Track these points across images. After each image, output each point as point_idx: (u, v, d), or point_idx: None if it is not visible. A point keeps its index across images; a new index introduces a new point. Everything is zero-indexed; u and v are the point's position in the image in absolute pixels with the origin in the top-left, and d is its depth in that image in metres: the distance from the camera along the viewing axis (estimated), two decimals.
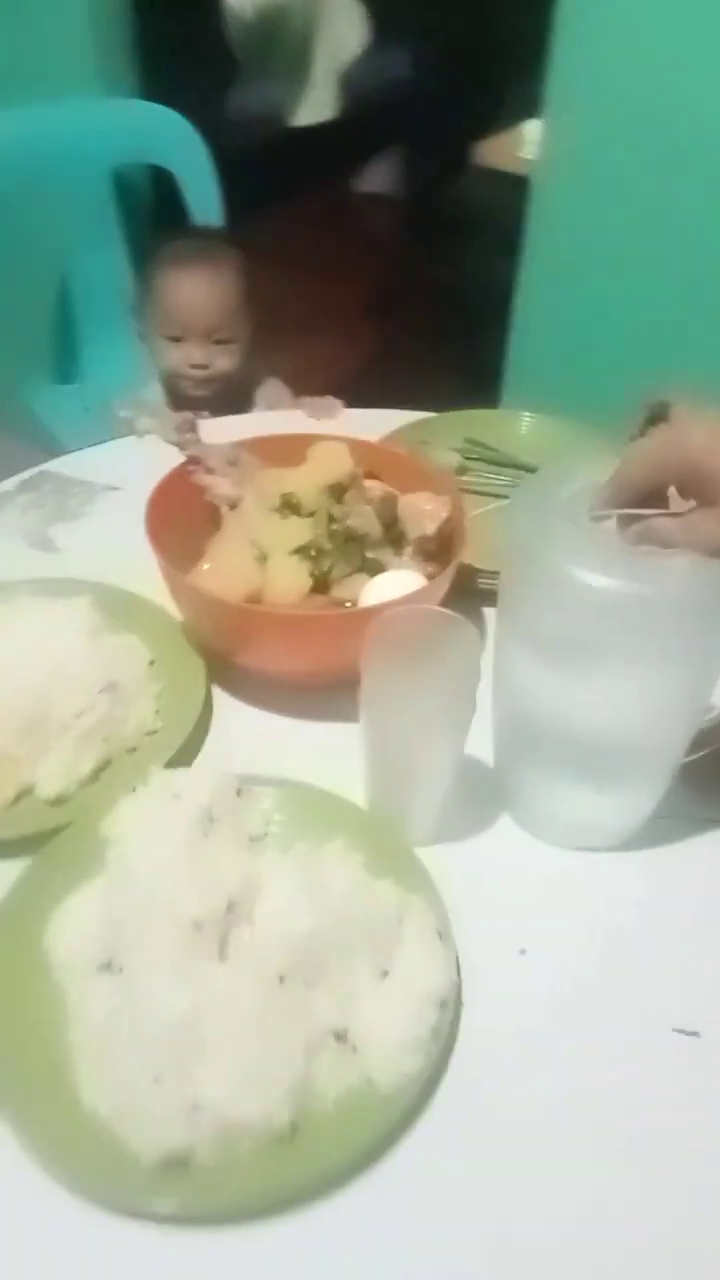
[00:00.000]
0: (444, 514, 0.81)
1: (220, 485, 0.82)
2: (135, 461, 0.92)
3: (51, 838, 0.69)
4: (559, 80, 1.51)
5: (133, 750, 0.76)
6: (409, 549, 0.82)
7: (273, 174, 2.48)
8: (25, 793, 0.73)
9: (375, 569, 0.80)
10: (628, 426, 0.90)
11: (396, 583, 0.78)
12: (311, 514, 0.80)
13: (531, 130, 1.78)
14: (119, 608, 0.85)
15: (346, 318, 2.67)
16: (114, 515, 1.00)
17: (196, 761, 0.77)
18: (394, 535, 0.82)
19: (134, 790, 0.69)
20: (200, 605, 0.78)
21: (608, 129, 1.50)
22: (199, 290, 1.37)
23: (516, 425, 1.09)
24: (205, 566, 0.80)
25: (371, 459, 0.85)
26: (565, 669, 0.65)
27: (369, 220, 3.19)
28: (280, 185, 2.55)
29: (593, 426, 1.05)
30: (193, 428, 0.85)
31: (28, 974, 0.62)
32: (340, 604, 0.78)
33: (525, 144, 1.83)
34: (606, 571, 0.56)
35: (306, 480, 0.81)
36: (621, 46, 1.43)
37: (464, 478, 1.02)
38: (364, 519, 0.81)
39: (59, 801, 0.72)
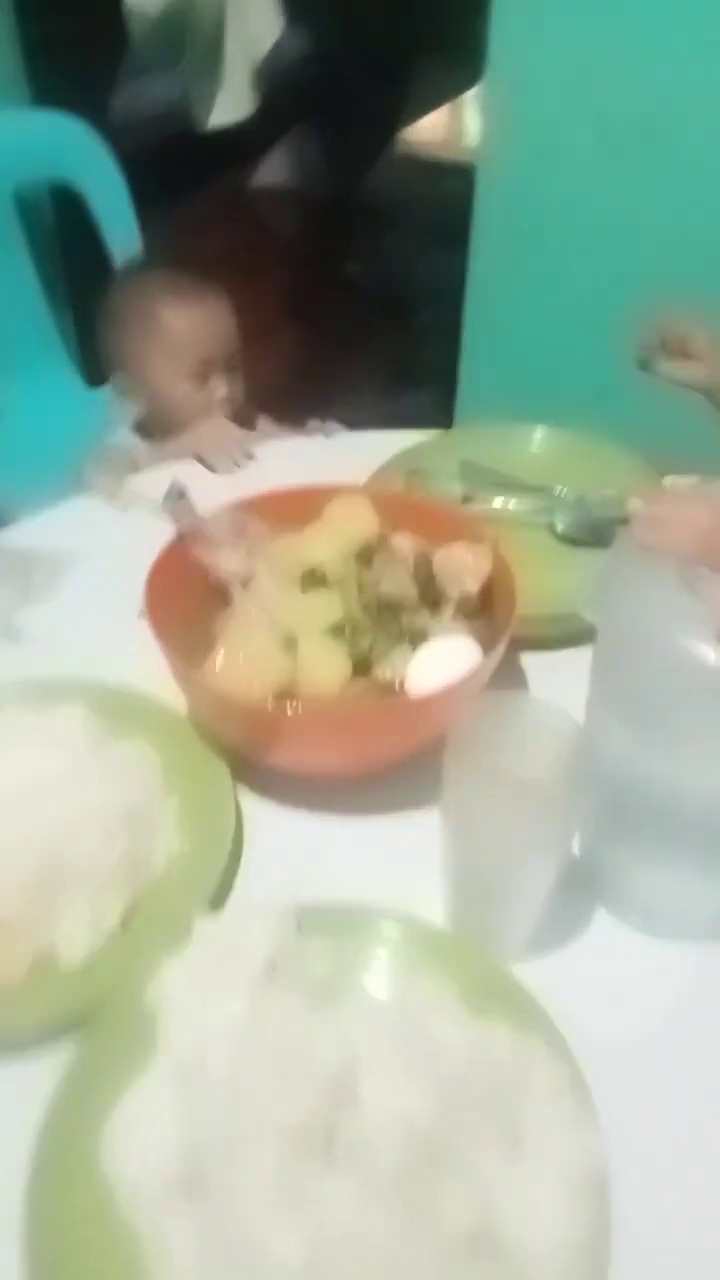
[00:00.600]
0: (486, 567, 0.71)
1: (229, 561, 0.71)
2: (101, 523, 0.80)
3: (85, 1017, 0.57)
4: (500, 50, 1.39)
5: (158, 884, 0.65)
6: (449, 609, 0.72)
7: (173, 174, 2.33)
8: (43, 961, 0.61)
9: (416, 637, 0.70)
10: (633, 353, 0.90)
11: (448, 654, 0.68)
12: (339, 584, 0.69)
13: (465, 108, 1.69)
14: (118, 708, 0.74)
15: (260, 325, 2.53)
16: (88, 590, 0.88)
17: (235, 886, 0.66)
18: (431, 596, 0.71)
19: (182, 952, 0.58)
20: (225, 709, 0.66)
21: (558, 103, 1.40)
22: (217, 318, 1.20)
23: (525, 443, 1.00)
24: (220, 657, 0.69)
25: (395, 511, 0.75)
26: (673, 744, 0.57)
27: (275, 217, 3.05)
28: (178, 184, 2.40)
29: (611, 441, 0.96)
30: (183, 495, 0.73)
31: (85, 1205, 0.50)
32: (386, 686, 0.68)
33: (458, 125, 1.72)
34: None
35: (329, 546, 0.70)
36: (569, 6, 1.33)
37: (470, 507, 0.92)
38: (398, 583, 0.70)
39: (86, 969, 0.60)
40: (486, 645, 0.68)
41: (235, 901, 0.65)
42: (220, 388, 1.19)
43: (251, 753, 0.69)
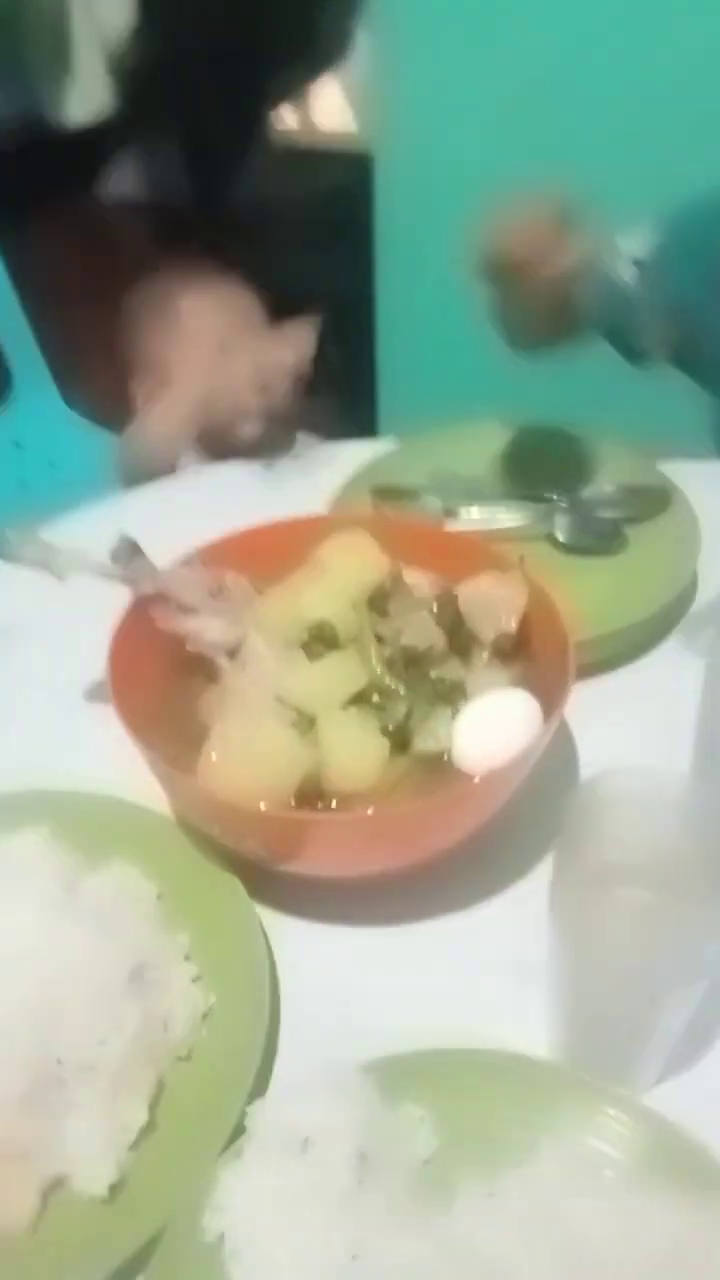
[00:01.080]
0: (522, 600, 0.59)
1: (208, 629, 0.57)
2: (35, 596, 0.65)
3: (124, 1261, 0.43)
4: (385, 21, 1.28)
5: (187, 1058, 0.51)
6: (483, 655, 0.59)
7: (25, 186, 2.13)
8: (58, 1192, 0.46)
9: (452, 694, 0.57)
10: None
11: (500, 711, 0.55)
12: (352, 642, 0.56)
13: (352, 92, 1.56)
14: (87, 824, 0.59)
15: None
16: (25, 680, 0.72)
17: (281, 1038, 0.52)
18: (460, 642, 0.59)
19: (238, 1155, 0.44)
20: (233, 817, 0.52)
21: (454, 72, 1.29)
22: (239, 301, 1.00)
23: (495, 443, 0.88)
24: (215, 751, 0.55)
25: (397, 543, 0.62)
26: None
27: (140, 228, 2.87)
28: (31, 197, 2.20)
29: (588, 430, 0.86)
30: (136, 551, 0.59)
31: None
32: (431, 761, 0.55)
33: (345, 110, 1.60)
34: None
35: (333, 596, 0.57)
36: None
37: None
38: (423, 632, 0.57)
39: (115, 1195, 0.46)
40: (538, 692, 0.56)
41: (288, 1065, 0.51)
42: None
43: (271, 863, 0.55)
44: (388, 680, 0.55)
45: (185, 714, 0.59)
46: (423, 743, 0.54)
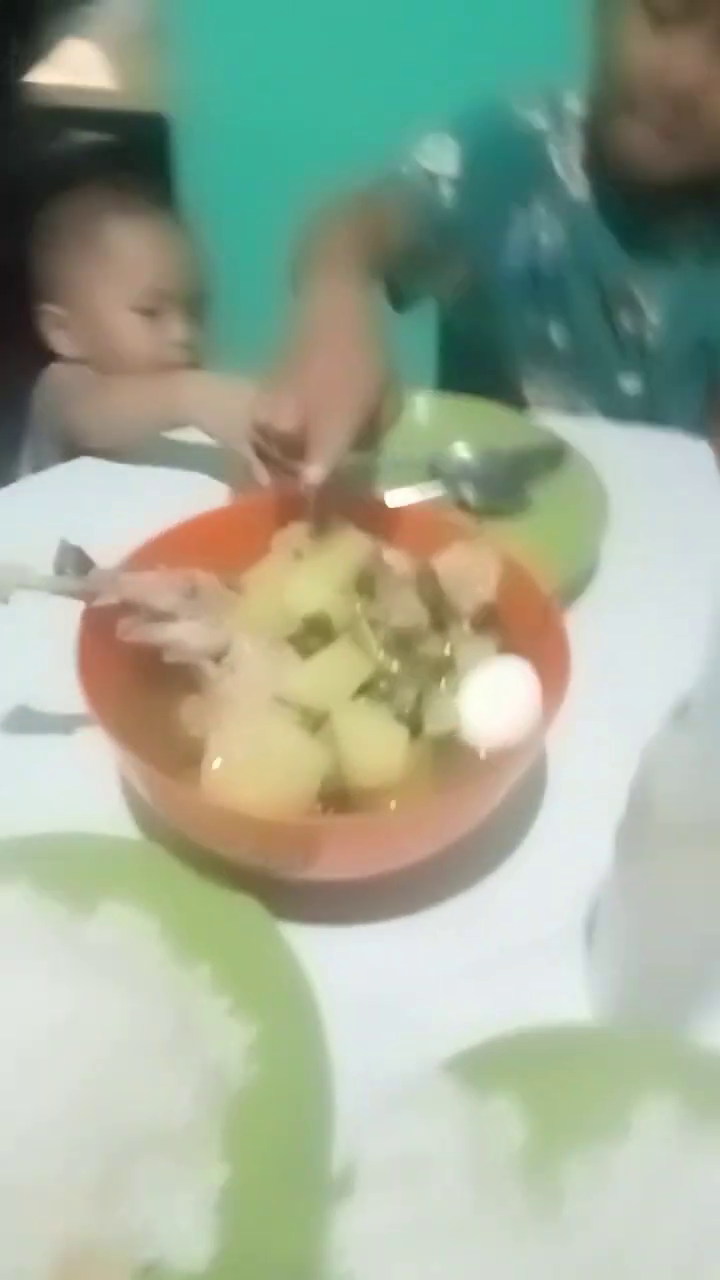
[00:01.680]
0: (496, 567, 0.58)
1: (189, 636, 0.51)
2: None
3: None
4: None
5: (247, 1100, 0.47)
6: (463, 626, 0.58)
7: None
8: (151, 1275, 0.41)
9: (441, 671, 0.55)
10: None
11: (500, 683, 0.54)
12: (346, 630, 0.53)
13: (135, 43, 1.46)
14: (70, 868, 0.53)
15: None
16: None
17: (336, 1053, 0.49)
18: (439, 617, 0.57)
19: (348, 1192, 0.41)
20: (257, 831, 0.48)
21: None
22: (175, 245, 0.98)
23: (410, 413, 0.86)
24: (216, 762, 0.50)
25: (361, 523, 0.59)
26: None
27: None
28: None
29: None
30: (82, 558, 0.53)
31: None
32: (443, 744, 0.53)
33: (130, 63, 1.50)
34: None
35: (321, 583, 0.53)
36: None
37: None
38: (408, 609, 0.55)
39: (214, 1264, 0.41)
40: (525, 657, 0.56)
41: (355, 1082, 0.48)
42: (175, 328, 0.95)
43: (289, 872, 0.52)
44: (393, 666, 0.53)
45: (166, 730, 0.54)
46: (433, 724, 0.53)
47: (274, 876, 0.53)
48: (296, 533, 0.58)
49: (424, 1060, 0.47)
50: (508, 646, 0.58)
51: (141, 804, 0.58)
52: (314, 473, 0.56)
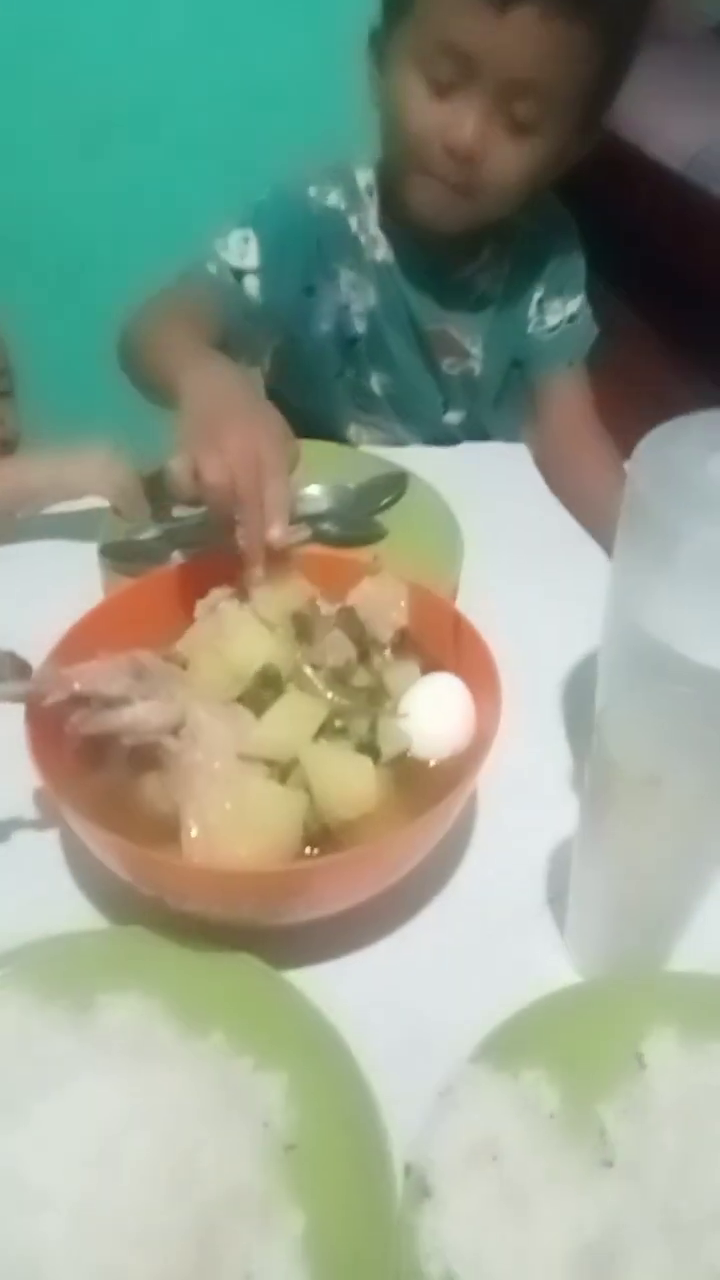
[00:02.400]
0: (403, 594, 0.62)
1: (147, 715, 0.52)
2: None
3: None
4: None
5: (294, 1145, 0.48)
6: (384, 654, 0.62)
7: None
8: None
9: (379, 698, 0.59)
10: None
11: (438, 697, 0.59)
12: (290, 679, 0.56)
13: None
14: (56, 964, 0.53)
15: None
16: None
17: (367, 1072, 0.51)
18: (363, 648, 0.61)
19: (426, 1195, 0.44)
20: (268, 886, 0.50)
21: None
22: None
23: None
24: (194, 832, 0.51)
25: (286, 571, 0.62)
26: None
27: None
28: None
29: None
30: (20, 663, 0.53)
31: None
32: (401, 764, 0.57)
33: None
34: None
35: (261, 637, 0.56)
36: None
37: None
38: (339, 647, 0.59)
39: None
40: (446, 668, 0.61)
41: (397, 1097, 0.50)
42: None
43: (290, 918, 0.53)
44: (343, 702, 0.56)
45: (129, 812, 0.54)
46: (388, 747, 0.56)
47: (261, 927, 0.54)
48: (218, 598, 0.60)
49: (449, 1058, 0.51)
50: (428, 664, 0.62)
51: (107, 893, 0.58)
52: (275, 533, 0.60)
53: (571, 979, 0.57)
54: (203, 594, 0.62)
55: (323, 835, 0.52)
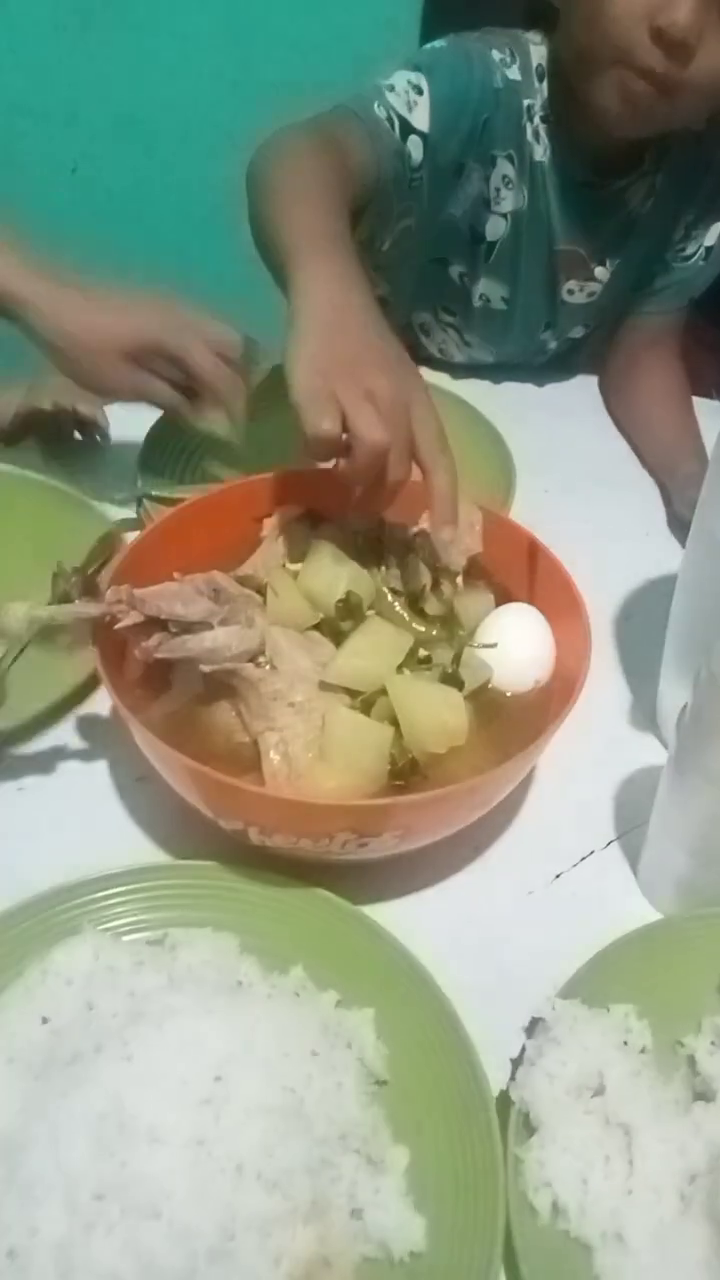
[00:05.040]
0: (479, 519, 0.60)
1: (228, 641, 0.50)
2: None
3: None
4: None
5: (387, 1081, 0.47)
6: (455, 582, 0.60)
7: None
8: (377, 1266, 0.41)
9: (452, 628, 0.57)
10: None
11: (518, 626, 0.57)
12: (375, 604, 0.53)
13: None
14: (127, 901, 0.50)
15: None
16: None
17: (460, 1009, 0.50)
18: (435, 576, 0.59)
19: (533, 1131, 0.43)
20: (373, 817, 0.48)
21: None
22: None
23: None
24: (276, 761, 0.49)
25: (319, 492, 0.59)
26: None
27: None
28: None
29: None
30: (88, 582, 0.50)
31: None
32: (484, 696, 0.55)
33: None
34: None
35: (339, 565, 0.53)
36: None
37: None
38: (416, 573, 0.56)
39: (432, 1239, 0.42)
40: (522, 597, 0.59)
41: (487, 1032, 0.49)
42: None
43: (361, 855, 0.52)
44: (425, 631, 0.53)
45: (203, 742, 0.52)
46: (471, 679, 0.54)
47: (334, 862, 0.52)
48: (287, 517, 0.57)
49: (532, 993, 0.50)
50: (498, 593, 0.60)
51: (171, 827, 0.56)
52: (447, 533, 0.52)
53: (645, 914, 0.56)
54: (266, 513, 0.59)
55: (409, 769, 0.50)
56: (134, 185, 1.40)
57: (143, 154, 1.39)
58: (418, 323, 0.97)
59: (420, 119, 0.75)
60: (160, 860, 0.56)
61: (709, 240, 0.91)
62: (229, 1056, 0.42)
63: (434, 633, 0.54)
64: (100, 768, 0.60)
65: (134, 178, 1.40)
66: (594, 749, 0.63)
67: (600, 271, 0.92)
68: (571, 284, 0.92)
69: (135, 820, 0.58)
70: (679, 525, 0.81)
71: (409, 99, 0.75)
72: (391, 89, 0.75)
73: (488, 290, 0.92)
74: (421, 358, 0.98)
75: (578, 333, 0.98)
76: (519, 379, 0.99)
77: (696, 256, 0.92)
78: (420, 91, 0.76)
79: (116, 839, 0.56)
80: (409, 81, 0.76)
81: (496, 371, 0.99)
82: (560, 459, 0.87)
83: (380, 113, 0.74)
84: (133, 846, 0.56)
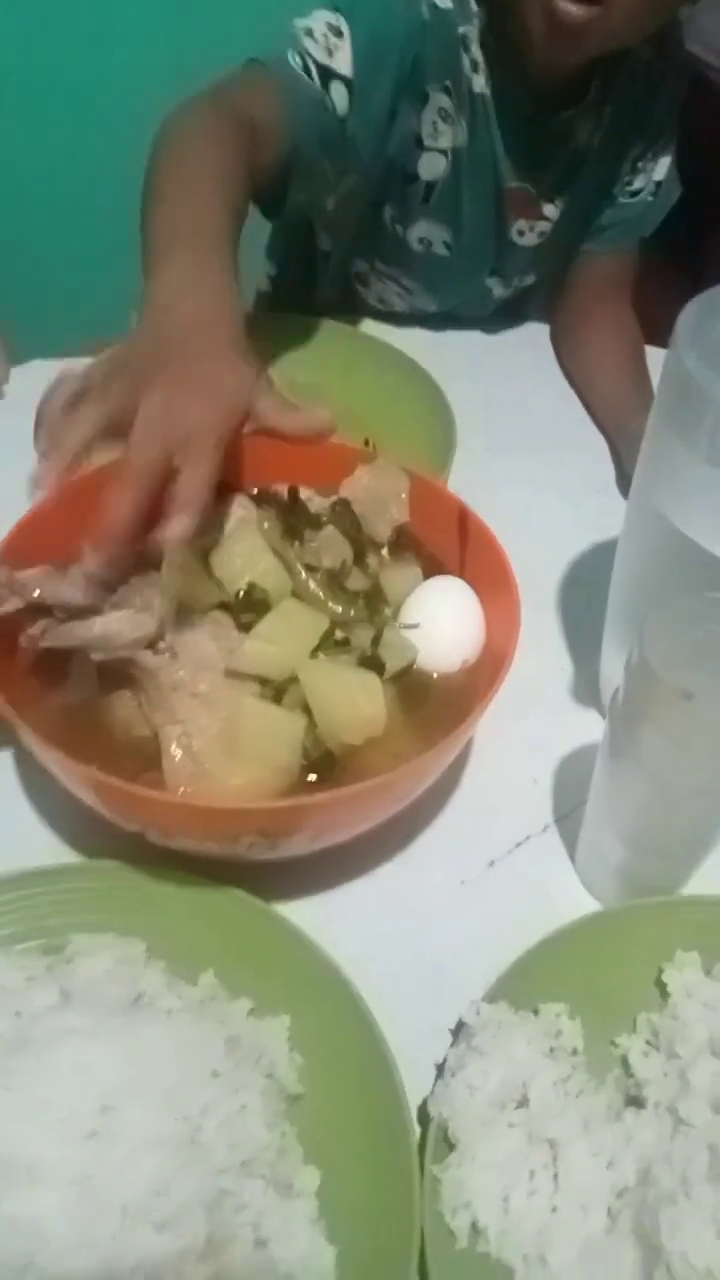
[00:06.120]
0: (405, 485, 0.56)
1: (121, 626, 0.45)
2: None
3: None
4: None
5: (301, 1095, 0.44)
6: (381, 554, 0.56)
7: None
8: None
9: (375, 604, 0.53)
10: None
11: (445, 602, 0.53)
12: (284, 584, 0.49)
13: None
14: (24, 904, 0.47)
15: None
16: None
17: (377, 1016, 0.47)
18: (359, 548, 0.54)
19: (459, 1152, 0.40)
20: (277, 820, 0.45)
21: None
22: None
23: None
24: (178, 757, 0.45)
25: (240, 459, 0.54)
26: None
27: None
28: None
29: None
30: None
31: None
32: (407, 679, 0.51)
33: None
34: None
35: (249, 542, 0.48)
36: None
37: None
38: (335, 547, 0.52)
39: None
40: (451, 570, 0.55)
41: (408, 1041, 0.46)
42: None
43: (292, 852, 0.48)
44: (343, 611, 0.49)
45: (99, 736, 0.48)
46: (393, 661, 0.50)
47: (250, 860, 0.49)
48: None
49: (460, 994, 0.47)
50: (428, 566, 0.56)
51: (73, 824, 0.53)
52: (175, 528, 0.42)
53: (582, 903, 0.53)
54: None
55: (324, 762, 0.47)
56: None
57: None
58: (355, 272, 0.91)
59: (342, 63, 0.69)
60: (61, 859, 0.52)
61: (658, 174, 0.87)
62: (120, 1085, 0.39)
63: (352, 613, 0.49)
64: (5, 760, 0.56)
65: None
66: (534, 725, 0.60)
67: (550, 209, 0.86)
68: (520, 224, 0.87)
69: (45, 817, 0.54)
70: (627, 485, 0.77)
71: (328, 43, 0.68)
72: (310, 33, 0.68)
73: (428, 234, 0.85)
74: (363, 310, 0.93)
75: (526, 280, 0.92)
76: (464, 328, 0.94)
77: (645, 191, 0.87)
78: (340, 34, 0.69)
79: (22, 837, 0.53)
80: (328, 24, 0.69)
81: (441, 321, 0.93)
82: (505, 415, 0.82)
83: (296, 62, 0.67)
84: (33, 844, 0.52)
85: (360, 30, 0.69)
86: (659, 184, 0.87)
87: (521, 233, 0.87)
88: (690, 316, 0.48)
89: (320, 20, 0.69)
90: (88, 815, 0.50)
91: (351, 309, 0.92)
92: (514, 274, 0.91)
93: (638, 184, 0.87)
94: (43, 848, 0.52)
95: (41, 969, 0.45)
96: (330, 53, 0.68)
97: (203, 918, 0.48)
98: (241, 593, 0.48)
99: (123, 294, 0.54)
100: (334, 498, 0.54)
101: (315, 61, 0.68)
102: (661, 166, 0.86)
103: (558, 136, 0.82)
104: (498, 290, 0.92)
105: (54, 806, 0.54)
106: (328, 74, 0.68)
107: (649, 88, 0.82)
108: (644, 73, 0.81)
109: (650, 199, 0.88)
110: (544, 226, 0.88)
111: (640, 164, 0.86)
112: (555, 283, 0.93)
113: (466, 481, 0.69)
